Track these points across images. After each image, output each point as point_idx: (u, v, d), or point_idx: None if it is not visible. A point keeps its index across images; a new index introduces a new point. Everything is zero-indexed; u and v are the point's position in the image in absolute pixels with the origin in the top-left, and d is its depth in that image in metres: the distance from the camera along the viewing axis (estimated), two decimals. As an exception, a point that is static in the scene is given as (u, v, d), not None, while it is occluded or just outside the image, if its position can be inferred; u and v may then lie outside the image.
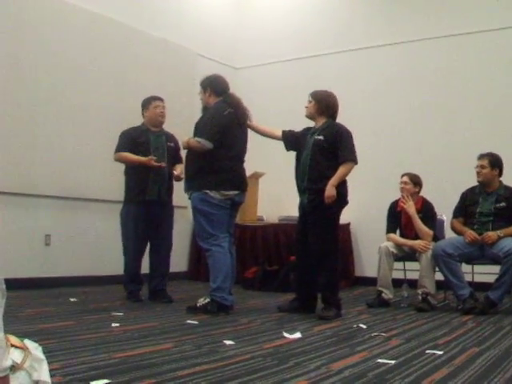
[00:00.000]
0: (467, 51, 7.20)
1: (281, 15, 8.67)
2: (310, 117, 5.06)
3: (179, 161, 5.72)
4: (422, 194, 5.82)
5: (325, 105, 4.97)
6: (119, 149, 5.61)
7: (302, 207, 5.03)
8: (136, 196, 5.56)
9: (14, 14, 6.05)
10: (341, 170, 4.76)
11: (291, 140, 5.17)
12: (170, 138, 5.82)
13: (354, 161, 4.84)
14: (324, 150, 4.83)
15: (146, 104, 5.72)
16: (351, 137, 4.89)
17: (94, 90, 6.71)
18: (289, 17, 8.58)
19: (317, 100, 4.99)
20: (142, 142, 5.58)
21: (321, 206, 4.79)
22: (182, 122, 7.64)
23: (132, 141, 5.58)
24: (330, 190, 4.70)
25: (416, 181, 5.78)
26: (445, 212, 6.00)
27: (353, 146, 4.87)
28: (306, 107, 5.06)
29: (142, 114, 5.75)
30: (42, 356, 2.00)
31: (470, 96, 7.14)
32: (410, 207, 5.63)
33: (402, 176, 5.84)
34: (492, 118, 6.98)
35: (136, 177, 5.55)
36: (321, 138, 4.87)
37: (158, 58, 7.50)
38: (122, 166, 5.69)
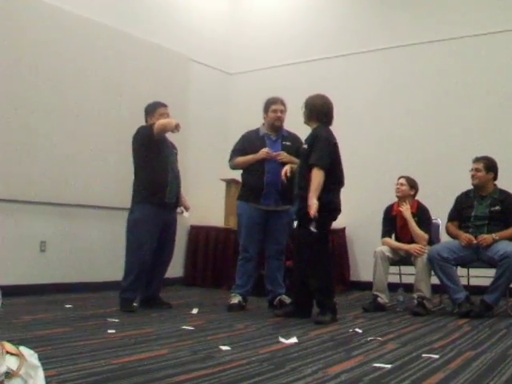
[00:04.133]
0: (463, 55, 7.19)
1: (275, 20, 8.65)
2: (306, 123, 5.04)
3: None
4: (417, 198, 5.83)
5: (315, 111, 4.93)
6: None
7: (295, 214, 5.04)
8: (153, 197, 5.26)
9: (12, 19, 6.05)
10: (312, 179, 4.69)
11: None
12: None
13: (319, 165, 4.70)
14: (308, 157, 4.80)
15: (153, 111, 5.46)
16: (324, 141, 4.78)
17: (87, 95, 6.68)
18: (283, 22, 8.57)
19: (306, 107, 4.98)
20: (159, 143, 5.32)
21: (308, 216, 4.73)
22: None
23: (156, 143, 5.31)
24: (309, 202, 4.64)
25: (412, 184, 5.79)
26: (440, 216, 5.99)
27: (322, 150, 4.74)
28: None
29: (146, 120, 5.50)
30: (37, 363, 2.00)
31: (465, 100, 7.13)
32: (407, 210, 5.64)
33: (399, 178, 5.84)
34: (488, 122, 6.97)
35: (156, 177, 5.28)
36: (305, 146, 4.90)
37: (151, 62, 7.47)
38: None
